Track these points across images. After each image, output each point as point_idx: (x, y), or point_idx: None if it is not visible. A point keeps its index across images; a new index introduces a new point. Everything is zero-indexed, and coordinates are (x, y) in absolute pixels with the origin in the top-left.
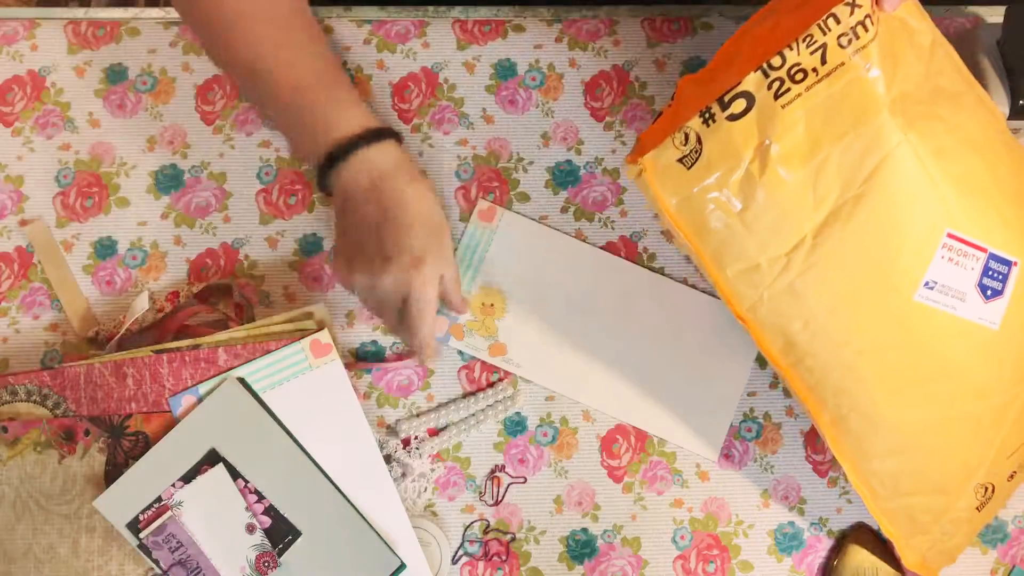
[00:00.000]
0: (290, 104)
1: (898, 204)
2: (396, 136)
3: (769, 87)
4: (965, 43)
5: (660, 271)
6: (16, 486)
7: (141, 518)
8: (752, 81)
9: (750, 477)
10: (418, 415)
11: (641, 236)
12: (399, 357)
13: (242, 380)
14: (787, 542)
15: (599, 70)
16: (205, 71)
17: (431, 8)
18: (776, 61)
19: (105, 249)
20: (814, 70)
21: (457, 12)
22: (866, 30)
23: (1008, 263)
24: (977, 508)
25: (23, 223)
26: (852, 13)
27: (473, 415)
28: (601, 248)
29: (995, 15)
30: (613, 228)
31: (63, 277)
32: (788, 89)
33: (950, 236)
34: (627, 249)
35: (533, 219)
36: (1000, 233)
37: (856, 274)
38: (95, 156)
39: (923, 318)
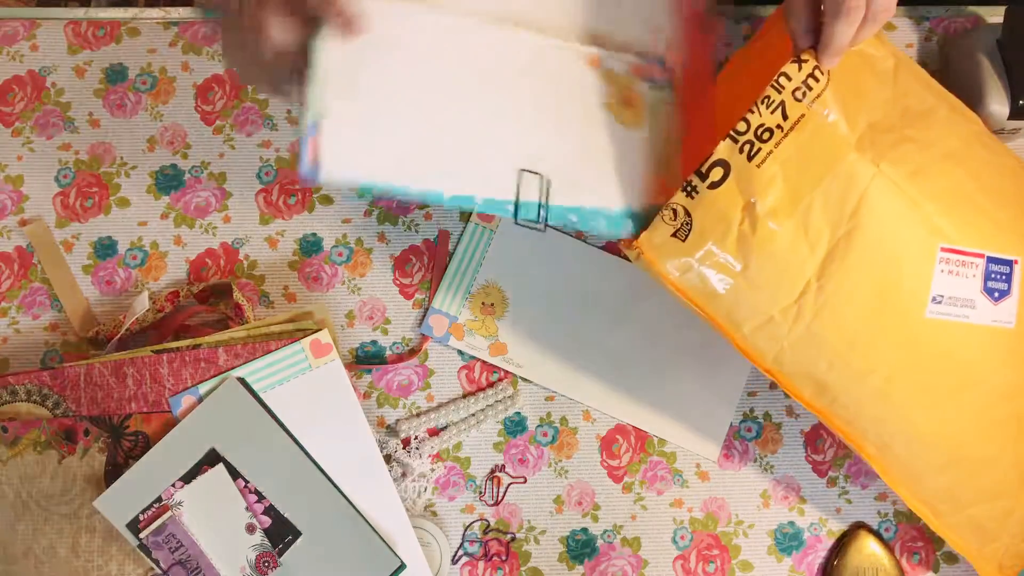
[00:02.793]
0: None
1: (886, 232)
2: None
3: (741, 151)
4: (965, 43)
5: None
6: (16, 486)
7: (141, 518)
8: (724, 149)
9: (750, 477)
10: (418, 415)
11: None
12: (399, 357)
13: (242, 380)
14: (787, 542)
15: None
16: (205, 71)
17: None
18: (741, 126)
19: (105, 249)
20: (778, 127)
21: None
22: (816, 80)
23: (1008, 263)
24: None
25: (23, 223)
26: (800, 68)
27: (473, 415)
28: (601, 248)
29: (995, 15)
30: None
31: (63, 277)
32: (759, 149)
33: (944, 250)
34: None
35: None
36: (994, 236)
37: (866, 305)
38: (95, 156)
39: (939, 332)
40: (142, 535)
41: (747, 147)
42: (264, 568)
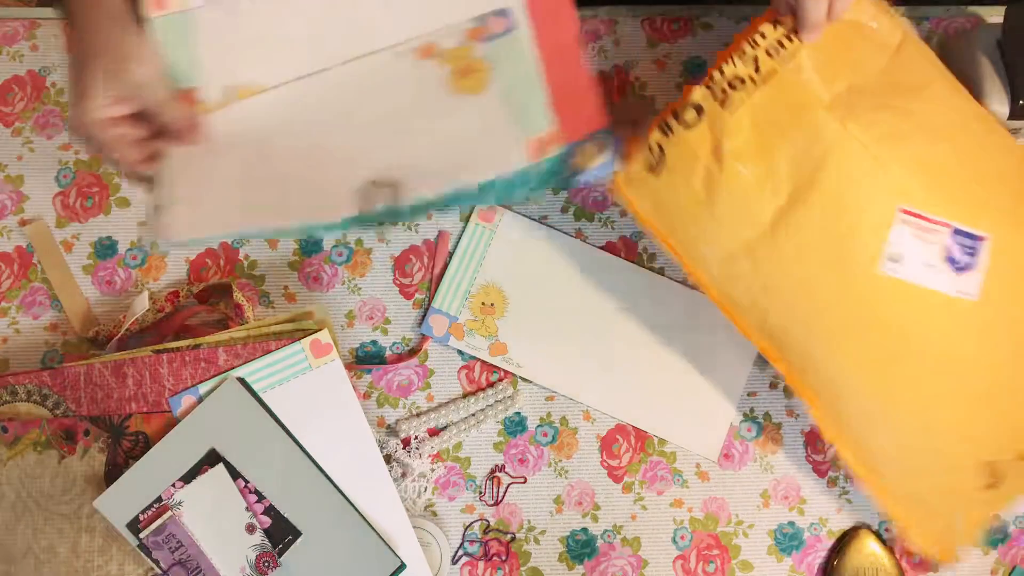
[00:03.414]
0: None
1: (846, 187)
2: None
3: (715, 97)
4: (965, 43)
5: (660, 271)
6: (16, 486)
7: (141, 518)
8: (699, 94)
9: (750, 477)
10: (418, 415)
11: (640, 236)
12: (399, 357)
13: (242, 380)
14: (787, 542)
15: (598, 70)
16: None
17: None
18: (716, 75)
19: (105, 249)
20: (751, 79)
21: None
22: (791, 40)
23: (977, 238)
24: (988, 487)
25: (23, 223)
26: (776, 28)
27: (473, 415)
28: (601, 248)
29: (995, 15)
30: (613, 228)
31: (63, 277)
32: (731, 97)
33: (904, 212)
34: (627, 249)
35: (533, 219)
36: (967, 209)
37: (821, 253)
38: (95, 156)
39: (892, 290)
40: (142, 535)
41: (720, 94)
42: (264, 568)
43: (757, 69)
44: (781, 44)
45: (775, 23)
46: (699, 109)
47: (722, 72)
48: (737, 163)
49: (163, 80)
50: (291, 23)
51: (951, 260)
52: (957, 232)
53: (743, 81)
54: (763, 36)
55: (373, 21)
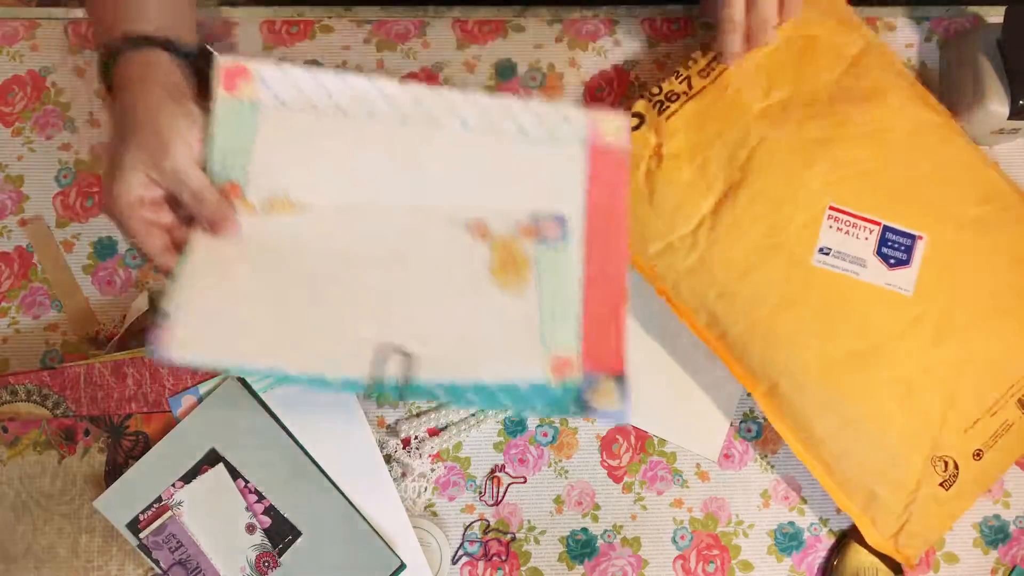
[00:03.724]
0: None
1: (773, 185)
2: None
3: (653, 107)
4: (965, 43)
5: None
6: (16, 486)
7: (141, 518)
8: (641, 105)
9: (750, 477)
10: (418, 415)
11: None
12: None
13: (242, 380)
14: (787, 542)
15: (599, 70)
16: None
17: (431, 8)
18: (655, 90)
19: (105, 249)
20: (685, 93)
21: (457, 12)
22: (718, 63)
23: (910, 236)
24: (942, 486)
25: (23, 223)
26: (705, 55)
27: (473, 415)
28: None
29: (995, 15)
30: None
31: (63, 277)
32: (668, 107)
33: (833, 208)
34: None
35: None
36: (900, 209)
37: (755, 244)
38: (95, 156)
39: (826, 281)
40: (142, 535)
41: (658, 105)
42: (264, 568)
43: (690, 87)
44: (710, 66)
45: (706, 47)
46: (641, 117)
47: (660, 88)
48: (673, 162)
49: (201, 171)
50: (355, 150)
51: (882, 255)
52: (888, 229)
53: (677, 96)
54: (695, 61)
55: (435, 175)
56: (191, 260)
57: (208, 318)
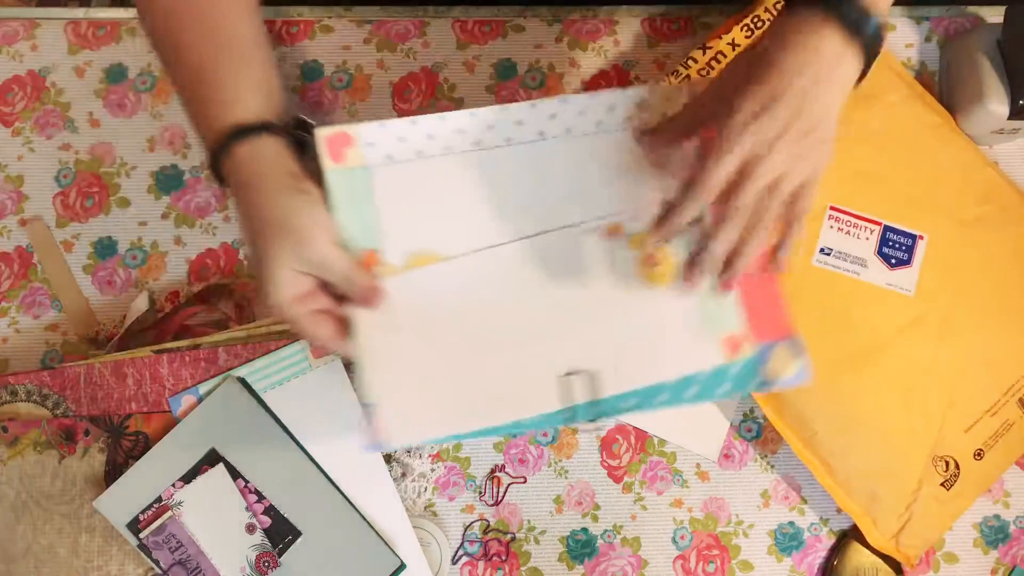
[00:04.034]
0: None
1: None
2: (264, 129)
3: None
4: (965, 43)
5: None
6: (16, 486)
7: (141, 518)
8: None
9: (750, 477)
10: None
11: None
12: None
13: (242, 380)
14: (787, 542)
15: (598, 70)
16: None
17: (431, 8)
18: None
19: (105, 249)
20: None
21: (457, 12)
22: (719, 62)
23: (911, 236)
24: (943, 485)
25: (23, 223)
26: (704, 53)
27: None
28: None
29: (995, 15)
30: None
31: (63, 277)
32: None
33: (833, 209)
34: None
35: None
36: (901, 210)
37: None
38: (95, 156)
39: (827, 281)
40: (142, 535)
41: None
42: (264, 568)
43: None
44: (711, 66)
45: (703, 48)
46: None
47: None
48: None
49: (342, 250)
50: (470, 183)
51: (883, 255)
52: (888, 229)
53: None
54: (695, 60)
55: (554, 188)
56: (362, 344)
57: (405, 400)
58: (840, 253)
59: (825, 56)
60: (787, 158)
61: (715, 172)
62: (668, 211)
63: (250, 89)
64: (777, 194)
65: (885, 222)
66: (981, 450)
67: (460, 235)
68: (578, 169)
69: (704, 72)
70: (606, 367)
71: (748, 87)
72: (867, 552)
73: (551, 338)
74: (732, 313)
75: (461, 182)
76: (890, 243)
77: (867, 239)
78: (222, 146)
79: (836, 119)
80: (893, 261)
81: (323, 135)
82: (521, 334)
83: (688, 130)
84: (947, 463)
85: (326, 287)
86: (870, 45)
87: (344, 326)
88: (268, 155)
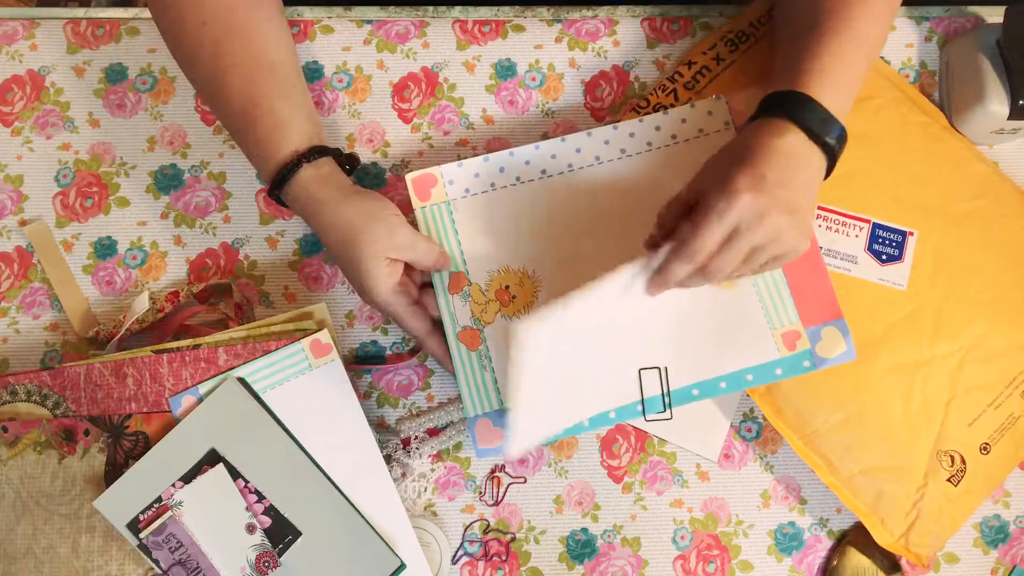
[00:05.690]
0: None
1: None
2: (318, 154)
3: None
4: (965, 43)
5: None
6: (16, 486)
7: (141, 518)
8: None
9: (750, 477)
10: (418, 415)
11: None
12: (399, 357)
13: (242, 380)
14: (787, 542)
15: (599, 70)
16: None
17: (431, 8)
18: (642, 103)
19: (105, 249)
20: (671, 105)
21: (457, 12)
22: (703, 76)
23: (901, 232)
24: (950, 481)
25: (23, 223)
26: (690, 68)
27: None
28: None
29: (995, 15)
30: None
31: (63, 277)
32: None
33: (820, 208)
34: None
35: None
36: (890, 207)
37: None
38: (95, 156)
39: None
40: (142, 535)
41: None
42: (264, 568)
43: (676, 98)
44: (696, 79)
45: (689, 63)
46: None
47: (648, 101)
48: None
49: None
50: (540, 207)
51: (873, 252)
52: (877, 226)
53: (665, 107)
54: (681, 75)
55: (614, 201)
56: (514, 357)
57: (529, 408)
58: (830, 251)
59: (796, 149)
60: (769, 231)
61: (704, 240)
62: (660, 270)
63: (302, 115)
64: (750, 262)
65: (874, 219)
66: (987, 444)
67: (536, 249)
68: (634, 183)
69: (690, 85)
70: (677, 363)
71: (733, 168)
72: (867, 552)
73: (635, 339)
74: (791, 309)
75: (530, 206)
76: (880, 239)
77: (856, 236)
78: (286, 173)
79: (815, 202)
80: (884, 257)
81: (410, 178)
82: (615, 336)
83: (679, 218)
84: (952, 457)
85: (409, 271)
86: (832, 149)
87: (437, 330)
88: (331, 173)
